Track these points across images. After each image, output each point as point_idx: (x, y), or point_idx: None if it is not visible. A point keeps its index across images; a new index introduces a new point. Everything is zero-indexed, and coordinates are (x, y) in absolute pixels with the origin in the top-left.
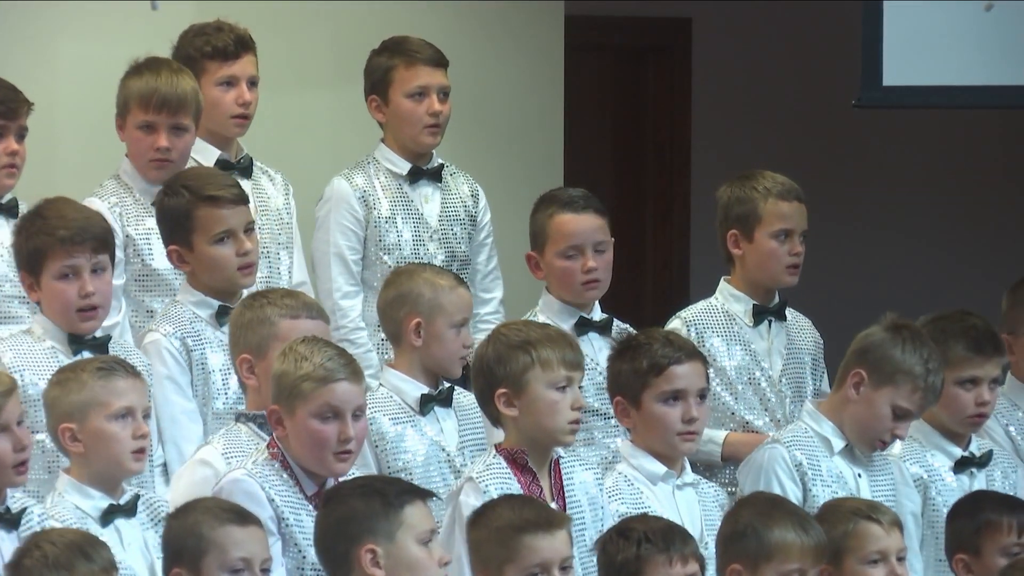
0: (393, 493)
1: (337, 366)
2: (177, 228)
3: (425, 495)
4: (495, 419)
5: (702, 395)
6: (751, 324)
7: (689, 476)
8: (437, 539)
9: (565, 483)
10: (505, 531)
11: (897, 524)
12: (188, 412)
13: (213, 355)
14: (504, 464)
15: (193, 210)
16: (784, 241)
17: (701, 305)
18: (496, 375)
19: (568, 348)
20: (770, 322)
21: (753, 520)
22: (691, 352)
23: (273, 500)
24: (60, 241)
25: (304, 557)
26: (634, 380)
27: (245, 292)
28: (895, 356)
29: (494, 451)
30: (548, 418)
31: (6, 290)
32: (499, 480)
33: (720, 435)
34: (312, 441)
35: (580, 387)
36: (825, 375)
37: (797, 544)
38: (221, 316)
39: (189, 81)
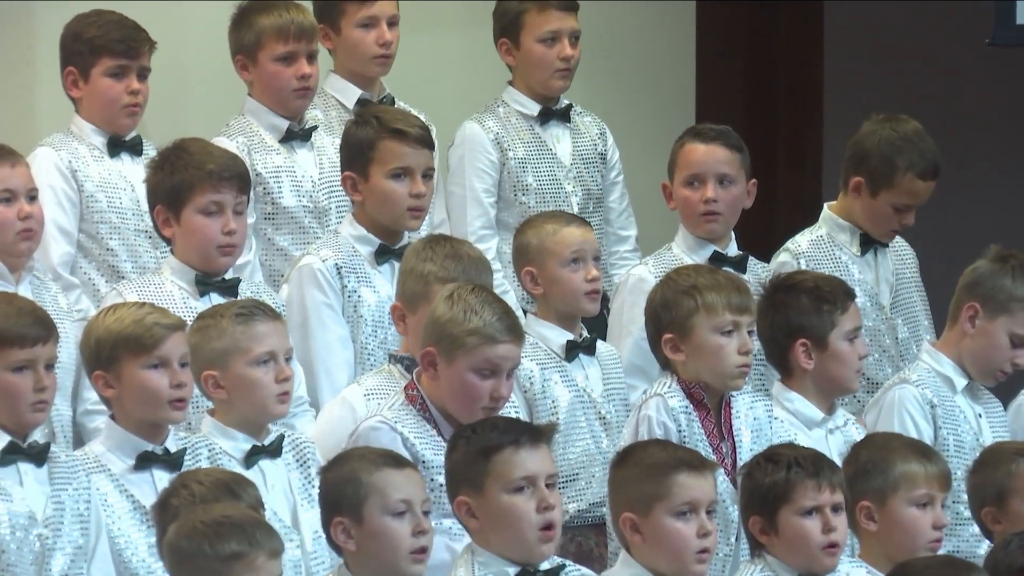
0: (482, 442)
1: (505, 327)
2: (358, 156)
3: (529, 440)
4: (664, 363)
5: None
6: (859, 254)
7: (840, 418)
8: (541, 483)
9: (734, 423)
10: (658, 468)
11: None
12: (342, 338)
13: (367, 291)
14: (683, 392)
15: (377, 140)
16: (901, 211)
17: (808, 236)
18: (662, 319)
19: (735, 292)
20: (876, 250)
21: (874, 456)
22: (852, 291)
23: (410, 441)
24: (208, 175)
25: (439, 497)
26: (824, 321)
27: (408, 236)
28: (1006, 285)
29: (675, 379)
30: (714, 363)
31: (132, 225)
32: (682, 402)
33: None
34: (465, 394)
35: (750, 332)
36: (924, 291)
37: (921, 472)
38: (380, 255)
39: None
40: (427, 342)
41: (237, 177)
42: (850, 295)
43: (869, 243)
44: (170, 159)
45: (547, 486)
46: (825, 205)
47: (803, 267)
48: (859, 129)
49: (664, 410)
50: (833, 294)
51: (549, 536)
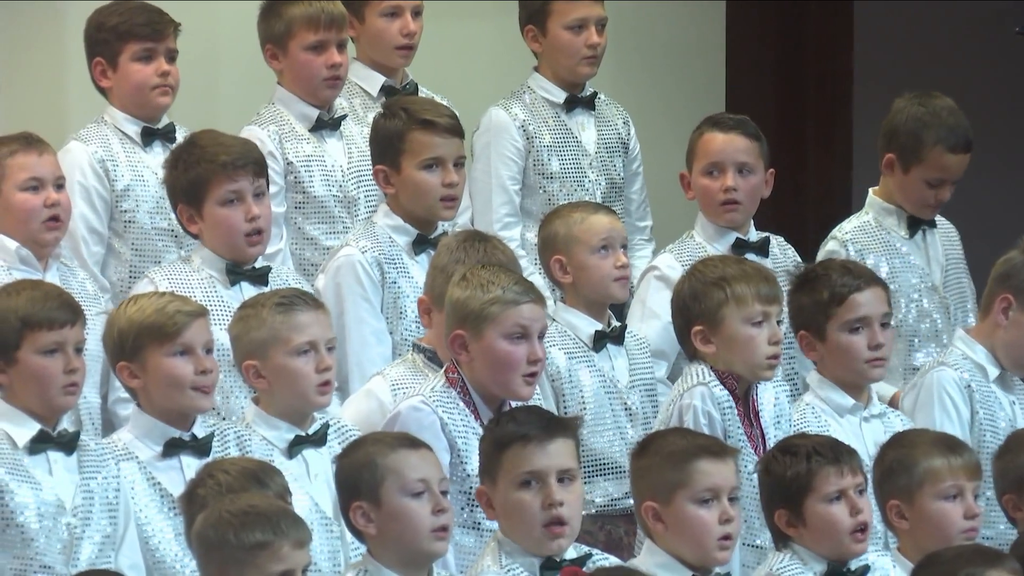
0: (497, 434)
1: (523, 289)
2: (388, 149)
3: (540, 434)
4: (692, 355)
5: (885, 321)
6: (907, 236)
7: (876, 407)
8: (551, 479)
9: (760, 411)
10: (678, 455)
11: None
12: (377, 333)
13: (406, 282)
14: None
15: (407, 132)
16: (936, 187)
17: (855, 223)
18: (692, 311)
19: (763, 283)
20: (924, 231)
21: (898, 455)
22: (871, 279)
23: (447, 426)
24: (223, 167)
25: (471, 487)
26: (817, 312)
27: (443, 226)
28: None
29: (710, 368)
30: (746, 354)
31: (158, 223)
32: (718, 386)
33: (889, 392)
34: (501, 363)
35: (779, 321)
36: (968, 272)
37: (945, 466)
38: (417, 245)
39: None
40: (452, 327)
41: (252, 163)
42: (852, 286)
43: (916, 225)
44: (183, 156)
45: (560, 481)
46: (870, 191)
47: (851, 253)
48: (885, 117)
49: (710, 400)
50: (832, 284)
51: (556, 532)
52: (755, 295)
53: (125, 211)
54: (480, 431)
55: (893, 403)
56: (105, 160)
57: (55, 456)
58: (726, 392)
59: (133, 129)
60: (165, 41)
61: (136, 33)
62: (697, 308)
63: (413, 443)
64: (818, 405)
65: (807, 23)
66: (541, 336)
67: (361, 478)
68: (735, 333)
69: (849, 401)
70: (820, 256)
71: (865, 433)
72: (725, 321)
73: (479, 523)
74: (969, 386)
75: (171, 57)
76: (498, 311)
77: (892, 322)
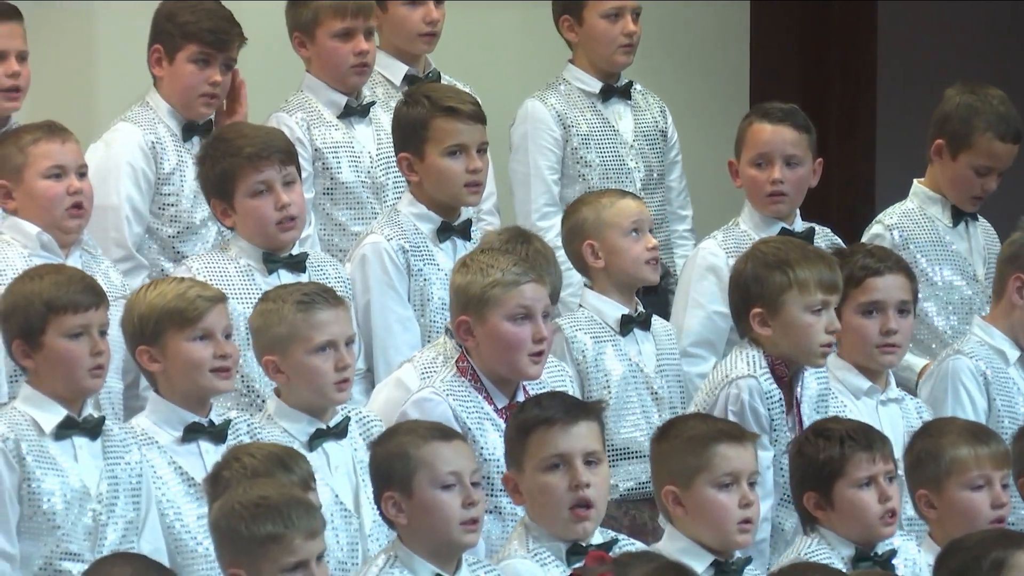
0: (521, 419)
1: (523, 269)
2: (411, 136)
3: (564, 417)
4: (743, 334)
5: (904, 308)
6: (951, 225)
7: (893, 392)
8: (577, 462)
9: (801, 395)
10: (698, 440)
11: None
12: (403, 320)
13: (431, 269)
14: (769, 371)
15: (430, 120)
16: (983, 175)
17: (899, 209)
18: (752, 293)
19: (826, 269)
20: (967, 222)
21: (927, 445)
22: (894, 265)
23: (460, 417)
24: (248, 159)
25: (488, 472)
26: None
27: (465, 211)
28: None
29: (762, 354)
30: (802, 340)
31: (198, 211)
32: (768, 379)
33: (919, 363)
34: (506, 345)
35: (836, 309)
36: None
37: (971, 456)
38: (442, 232)
39: None
40: (456, 313)
41: (277, 152)
42: (871, 270)
43: (960, 216)
44: (210, 152)
45: (587, 463)
46: (915, 181)
47: (896, 238)
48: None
49: (758, 395)
50: (852, 265)
51: (581, 515)
52: (817, 282)
53: (168, 194)
54: (494, 417)
55: (921, 375)
56: (154, 143)
57: (80, 442)
58: (774, 384)
59: (174, 123)
60: (227, 51)
61: (201, 37)
62: (758, 291)
63: (446, 434)
64: (835, 386)
65: (831, 17)
66: (545, 316)
67: (393, 468)
68: (794, 319)
69: (865, 383)
70: (864, 239)
71: (882, 417)
72: (785, 307)
73: (500, 508)
74: (984, 374)
75: (228, 66)
76: (500, 293)
77: (916, 310)
